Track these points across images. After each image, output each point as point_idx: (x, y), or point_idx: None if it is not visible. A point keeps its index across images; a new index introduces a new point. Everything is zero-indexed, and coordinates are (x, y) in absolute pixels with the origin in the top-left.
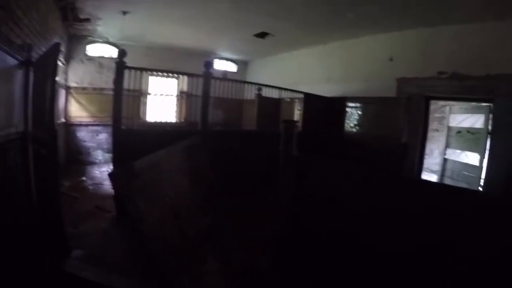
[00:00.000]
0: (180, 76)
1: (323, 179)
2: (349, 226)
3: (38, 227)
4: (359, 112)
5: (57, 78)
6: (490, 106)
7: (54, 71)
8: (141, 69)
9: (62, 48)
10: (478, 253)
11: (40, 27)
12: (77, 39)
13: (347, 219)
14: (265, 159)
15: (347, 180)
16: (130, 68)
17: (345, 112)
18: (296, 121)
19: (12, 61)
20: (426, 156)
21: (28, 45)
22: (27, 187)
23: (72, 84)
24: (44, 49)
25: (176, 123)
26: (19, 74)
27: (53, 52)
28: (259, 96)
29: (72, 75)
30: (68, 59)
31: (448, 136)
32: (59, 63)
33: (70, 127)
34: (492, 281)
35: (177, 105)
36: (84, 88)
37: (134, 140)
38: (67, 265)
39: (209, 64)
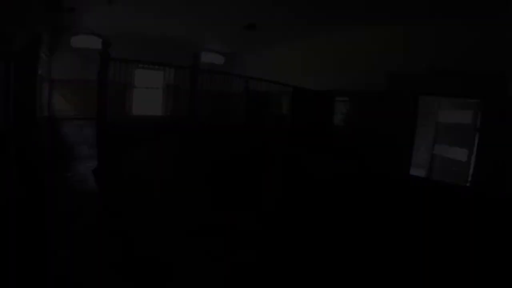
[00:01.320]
0: (167, 68)
1: (311, 175)
2: (340, 223)
3: (21, 228)
4: (348, 107)
5: (39, 71)
6: (479, 102)
7: (35, 63)
8: (127, 61)
9: (46, 39)
10: (468, 249)
11: (21, 17)
12: (61, 30)
13: (337, 215)
14: (253, 153)
15: (336, 176)
16: (115, 59)
17: (334, 106)
18: (286, 116)
19: None
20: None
21: (9, 35)
22: (9, 186)
23: (56, 77)
24: (26, 40)
25: (162, 116)
26: None
27: (35, 43)
28: (247, 89)
29: (56, 67)
30: (52, 51)
31: (436, 132)
32: (42, 55)
33: (54, 121)
34: (484, 276)
35: (163, 98)
36: (68, 81)
37: (120, 135)
38: (53, 267)
39: (196, 56)
